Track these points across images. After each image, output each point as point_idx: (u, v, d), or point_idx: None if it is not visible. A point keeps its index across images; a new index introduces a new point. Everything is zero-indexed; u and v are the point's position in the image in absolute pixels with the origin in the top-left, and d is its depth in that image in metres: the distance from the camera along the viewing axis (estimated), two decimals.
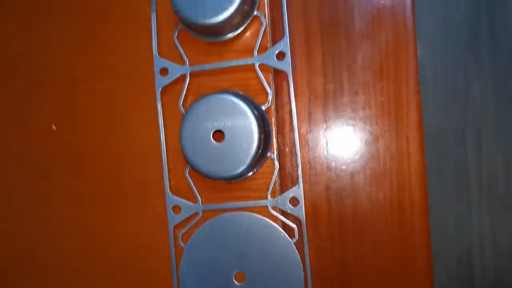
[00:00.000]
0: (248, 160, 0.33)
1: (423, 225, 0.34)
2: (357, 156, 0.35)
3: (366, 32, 0.35)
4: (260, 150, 0.33)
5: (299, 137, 0.35)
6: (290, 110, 0.35)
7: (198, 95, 0.37)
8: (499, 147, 1.09)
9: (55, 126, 0.39)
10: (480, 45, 1.12)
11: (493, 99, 1.10)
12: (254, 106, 0.34)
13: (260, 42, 0.35)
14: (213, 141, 0.33)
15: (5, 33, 0.41)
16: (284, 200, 0.35)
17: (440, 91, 1.10)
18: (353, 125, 0.35)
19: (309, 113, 0.35)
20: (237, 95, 0.34)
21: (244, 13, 0.35)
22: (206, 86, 0.36)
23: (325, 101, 0.35)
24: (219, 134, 0.33)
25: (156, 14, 0.37)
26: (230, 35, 0.36)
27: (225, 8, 0.33)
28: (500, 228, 1.07)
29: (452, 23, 1.14)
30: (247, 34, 0.36)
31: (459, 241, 1.07)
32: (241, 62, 0.35)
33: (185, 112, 0.34)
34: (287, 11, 0.35)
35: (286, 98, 0.36)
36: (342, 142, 0.35)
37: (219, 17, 0.33)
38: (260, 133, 0.33)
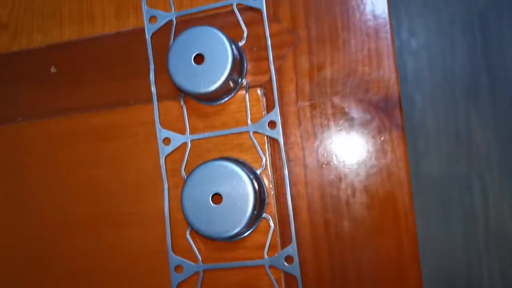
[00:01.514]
0: None
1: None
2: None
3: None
4: None
5: None
6: None
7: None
8: (505, 192, 1.10)
9: None
10: (480, 92, 1.13)
11: (496, 145, 1.11)
12: None
13: (270, 242, 0.37)
14: None
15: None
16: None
17: (442, 138, 1.11)
18: None
19: None
20: None
21: (254, 217, 0.36)
22: (220, 279, 0.38)
23: None
24: None
25: (169, 211, 0.39)
26: (243, 236, 0.37)
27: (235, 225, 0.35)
28: (510, 273, 1.07)
29: (450, 73, 1.15)
30: (257, 234, 0.38)
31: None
32: (252, 263, 0.37)
33: None
34: (293, 217, 0.37)
35: None
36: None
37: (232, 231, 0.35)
38: None
